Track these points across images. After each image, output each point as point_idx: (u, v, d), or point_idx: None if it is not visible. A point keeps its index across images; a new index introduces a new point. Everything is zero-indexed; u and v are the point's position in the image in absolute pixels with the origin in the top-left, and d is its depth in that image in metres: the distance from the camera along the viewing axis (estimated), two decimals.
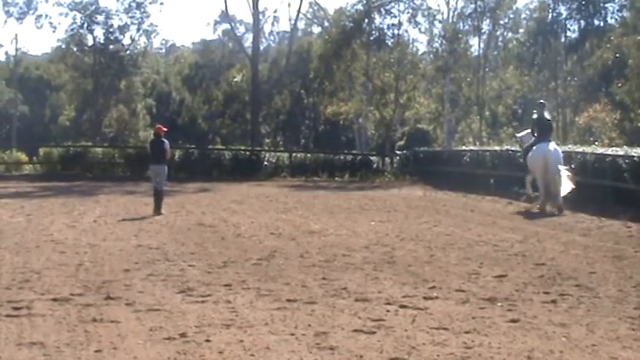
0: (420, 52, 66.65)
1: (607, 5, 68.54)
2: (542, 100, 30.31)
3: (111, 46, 71.19)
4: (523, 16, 74.17)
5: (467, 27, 66.23)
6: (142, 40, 74.37)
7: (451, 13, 67.56)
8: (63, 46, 74.64)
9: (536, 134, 26.20)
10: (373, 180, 43.79)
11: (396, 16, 60.50)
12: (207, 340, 8.91)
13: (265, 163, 46.73)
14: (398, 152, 52.27)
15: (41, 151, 48.84)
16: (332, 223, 21.57)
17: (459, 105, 69.70)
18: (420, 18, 62.03)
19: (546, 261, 14.71)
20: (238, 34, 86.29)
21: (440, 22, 65.06)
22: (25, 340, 8.92)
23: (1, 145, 59.60)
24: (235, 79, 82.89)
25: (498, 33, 72.43)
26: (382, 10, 59.62)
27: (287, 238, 18.31)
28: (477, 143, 60.84)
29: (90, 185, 37.27)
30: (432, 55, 64.14)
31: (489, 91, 67.17)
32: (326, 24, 75.59)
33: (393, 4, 59.69)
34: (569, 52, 69.06)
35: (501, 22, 69.86)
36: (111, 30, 70.92)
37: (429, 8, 62.72)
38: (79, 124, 77.28)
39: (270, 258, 15.03)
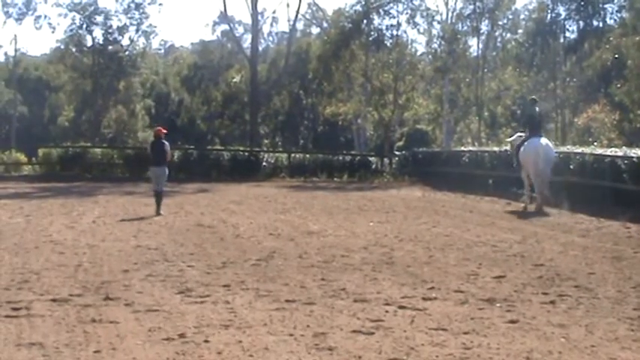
0: (418, 53, 66.73)
1: (606, 6, 68.58)
2: (534, 97, 30.51)
3: (110, 47, 71.20)
4: (522, 16, 74.31)
5: (466, 28, 66.33)
6: (141, 41, 74.47)
7: (450, 14, 67.71)
8: (62, 47, 74.66)
9: (527, 131, 26.50)
10: (372, 181, 43.82)
11: (394, 17, 60.65)
12: (206, 341, 8.91)
13: (264, 163, 46.75)
14: (397, 153, 52.35)
15: (40, 151, 48.87)
16: (331, 223, 21.57)
17: (457, 106, 69.76)
18: (418, 19, 62.25)
19: (545, 262, 14.71)
20: (237, 35, 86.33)
21: (439, 22, 65.27)
22: (24, 340, 8.93)
23: (0, 146, 59.60)
24: (234, 80, 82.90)
25: (497, 34, 72.57)
26: (381, 10, 59.69)
27: (286, 238, 18.32)
28: (476, 144, 60.88)
29: (89, 186, 37.27)
30: (430, 56, 64.19)
31: (488, 91, 67.23)
32: (325, 25, 75.66)
33: (391, 4, 59.79)
34: (568, 53, 69.08)
35: (500, 22, 69.99)
36: (110, 31, 70.93)
37: (428, 9, 63.01)
38: (78, 125, 77.24)
39: (269, 259, 15.03)
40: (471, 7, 65.42)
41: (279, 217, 23.18)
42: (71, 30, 70.96)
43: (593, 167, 27.04)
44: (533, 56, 70.26)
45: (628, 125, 58.02)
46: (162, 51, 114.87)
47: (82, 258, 14.97)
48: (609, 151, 28.23)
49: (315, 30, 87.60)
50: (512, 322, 9.90)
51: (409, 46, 64.28)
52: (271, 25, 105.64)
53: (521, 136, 27.25)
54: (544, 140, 26.20)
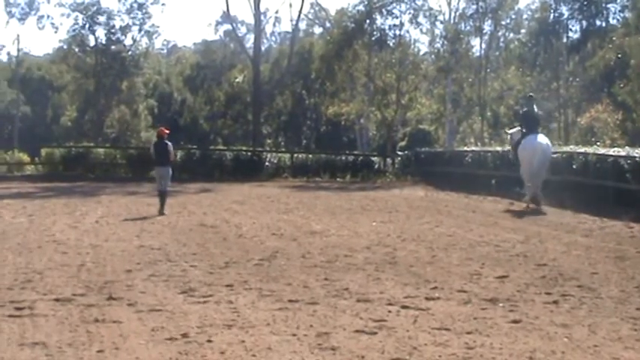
0: (421, 53, 66.72)
1: (609, 6, 68.52)
2: (531, 94, 30.83)
3: (112, 47, 71.20)
4: (525, 16, 74.18)
5: (468, 27, 66.22)
6: (144, 41, 74.41)
7: (453, 14, 67.61)
8: (65, 47, 74.66)
9: (524, 128, 26.78)
10: (375, 180, 43.79)
11: (397, 17, 60.44)
12: (209, 341, 8.91)
13: (267, 163, 46.74)
14: (399, 153, 52.29)
15: (43, 151, 48.93)
16: (333, 223, 21.57)
17: (460, 105, 69.66)
18: (421, 18, 61.99)
19: (548, 262, 14.70)
20: (240, 35, 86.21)
21: (441, 22, 65.06)
22: (28, 340, 8.94)
23: (3, 146, 59.74)
24: (237, 80, 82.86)
25: (500, 33, 72.41)
26: (384, 10, 59.55)
27: (289, 238, 18.32)
28: (479, 144, 60.80)
29: (92, 186, 37.29)
30: (433, 56, 64.11)
31: (491, 91, 67.14)
32: (327, 24, 75.63)
33: (394, 4, 59.60)
34: (571, 53, 69.02)
35: (503, 22, 69.85)
36: (112, 31, 70.93)
37: (431, 9, 62.73)
38: (81, 125, 77.30)
39: (272, 258, 15.03)
40: (474, 6, 65.33)
41: (282, 217, 23.18)
42: (74, 30, 70.98)
43: (596, 167, 27.03)
44: (536, 56, 70.20)
45: (631, 125, 57.99)
46: (165, 51, 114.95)
47: (85, 258, 14.98)
48: (612, 151, 28.20)
49: (317, 30, 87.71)
50: (515, 321, 9.90)
51: (412, 46, 64.22)
52: (274, 25, 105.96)
53: (520, 131, 27.39)
54: (542, 139, 26.47)
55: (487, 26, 67.23)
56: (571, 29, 69.94)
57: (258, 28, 62.06)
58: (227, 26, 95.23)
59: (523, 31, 73.37)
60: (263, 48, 77.70)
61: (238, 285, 12.27)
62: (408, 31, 64.24)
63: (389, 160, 48.99)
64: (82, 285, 12.18)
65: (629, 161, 25.37)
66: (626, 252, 16.14)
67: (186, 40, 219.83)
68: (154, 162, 26.00)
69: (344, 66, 58.50)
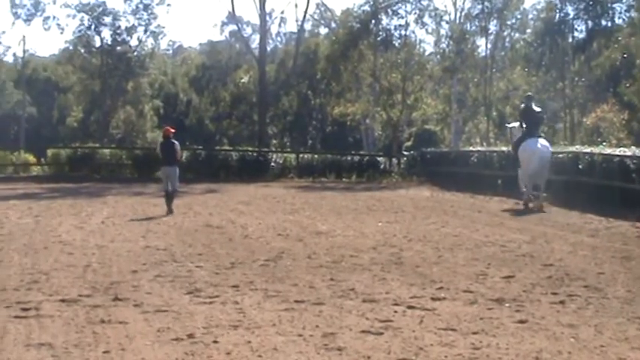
0: (427, 53, 66.62)
1: (615, 5, 68.41)
2: (529, 93, 31.27)
3: (118, 48, 71.33)
4: (530, 16, 74.17)
5: (474, 28, 66.29)
6: (149, 42, 74.57)
7: (458, 14, 67.72)
8: (70, 48, 74.83)
9: (524, 127, 27.05)
10: (380, 181, 43.77)
11: (403, 17, 60.49)
12: (215, 341, 8.91)
13: (272, 164, 46.72)
14: (405, 153, 52.29)
15: (49, 152, 49.01)
16: (339, 224, 21.56)
17: (466, 105, 69.73)
18: (427, 19, 62.03)
19: (554, 262, 14.69)
20: (245, 35, 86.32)
21: (447, 22, 65.19)
22: (34, 340, 8.94)
23: (9, 147, 59.69)
24: (242, 80, 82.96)
25: (505, 33, 72.48)
26: (389, 10, 59.58)
27: (294, 239, 18.32)
28: (484, 144, 60.81)
29: (98, 186, 37.32)
30: (439, 56, 64.04)
31: (496, 91, 67.18)
32: (333, 25, 75.60)
33: (400, 4, 59.66)
34: (577, 53, 68.93)
35: (508, 22, 69.92)
36: (118, 31, 71.06)
37: (436, 9, 62.77)
38: (87, 126, 77.45)
39: (278, 259, 15.03)
40: (480, 6, 65.40)
41: (288, 218, 23.18)
42: (80, 31, 71.12)
43: (602, 167, 26.98)
44: (542, 56, 70.13)
45: (637, 125, 57.95)
46: (171, 51, 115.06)
47: (91, 258, 14.99)
48: (618, 151, 28.16)
49: (323, 30, 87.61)
50: (522, 322, 9.89)
51: (417, 46, 64.23)
52: (279, 25, 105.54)
53: (520, 127, 27.54)
54: (541, 142, 26.60)
55: (493, 26, 67.37)
56: (577, 29, 69.88)
57: (263, 29, 62.04)
58: (233, 27, 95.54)
59: (529, 31, 73.37)
60: (269, 48, 77.57)
61: (244, 285, 12.27)
62: (413, 32, 64.10)
63: (395, 161, 48.95)
64: (88, 286, 12.19)
65: (635, 161, 25.32)
66: (633, 252, 16.12)
67: (192, 40, 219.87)
68: (160, 162, 26.05)
69: (349, 66, 58.53)
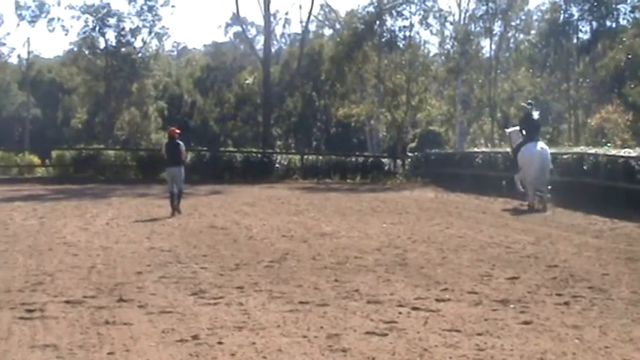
0: (431, 54, 66.75)
1: (619, 6, 68.27)
2: (530, 101, 31.87)
3: (123, 49, 71.38)
4: (535, 17, 74.05)
5: (478, 29, 66.16)
6: (154, 43, 74.60)
7: (462, 15, 67.62)
8: (75, 49, 74.93)
9: (524, 133, 27.49)
10: (385, 182, 43.77)
11: (407, 18, 60.37)
12: (220, 343, 8.92)
13: (277, 165, 46.75)
14: (409, 154, 52.25)
15: (54, 153, 49.07)
16: (344, 225, 21.56)
17: (470, 107, 69.65)
18: (431, 20, 61.89)
19: (559, 263, 14.68)
20: (250, 37, 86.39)
21: (451, 23, 65.06)
22: (39, 342, 8.95)
23: (14, 148, 59.85)
24: (247, 82, 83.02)
25: (510, 34, 72.36)
26: (393, 12, 59.51)
27: (299, 240, 18.32)
28: (489, 145, 60.74)
29: (102, 188, 37.34)
30: (443, 57, 64.06)
31: (501, 92, 67.11)
32: (337, 26, 75.66)
33: (404, 6, 59.59)
34: (581, 54, 68.83)
35: (513, 23, 69.75)
36: (123, 33, 71.11)
37: (441, 10, 62.65)
38: (92, 127, 77.54)
39: (282, 260, 15.03)
40: (484, 7, 65.28)
41: (292, 219, 23.18)
42: (84, 32, 71.19)
43: (607, 168, 27.01)
44: (546, 57, 70.02)
45: None
46: (175, 53, 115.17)
47: (96, 260, 15.00)
48: (623, 152, 28.17)
49: (327, 31, 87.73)
50: (526, 323, 9.89)
51: (422, 48, 64.20)
52: (284, 26, 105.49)
53: (519, 133, 27.86)
54: (540, 145, 27.00)
55: (497, 27, 67.20)
56: (581, 30, 69.75)
57: (268, 30, 62.06)
58: (237, 28, 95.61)
59: (533, 32, 73.25)
60: (273, 50, 77.63)
61: (249, 287, 12.27)
62: (417, 33, 63.89)
63: (399, 162, 48.96)
64: (93, 287, 12.20)
65: (639, 162, 25.34)
66: (637, 253, 16.11)
67: (196, 42, 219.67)
68: (166, 162, 26.10)
69: (354, 67, 58.54)
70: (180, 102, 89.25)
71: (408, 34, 59.99)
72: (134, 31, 71.57)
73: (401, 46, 59.40)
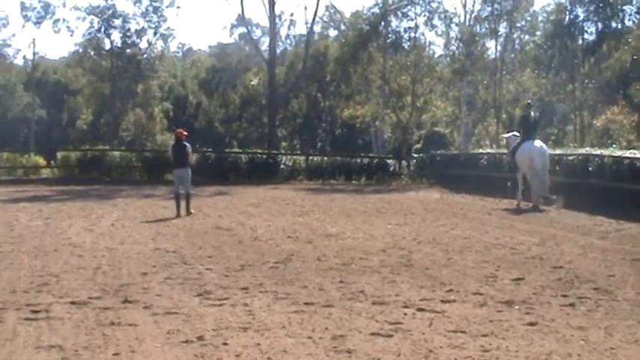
0: (436, 55, 66.71)
1: (625, 7, 68.24)
2: (529, 101, 32.16)
3: (128, 50, 71.58)
4: (540, 18, 73.94)
5: (484, 30, 66.16)
6: (159, 44, 74.91)
7: (468, 16, 67.61)
8: (80, 50, 75.17)
9: (522, 133, 27.80)
10: (390, 183, 43.74)
11: (412, 19, 60.52)
12: (225, 344, 8.92)
13: (282, 166, 46.73)
14: (414, 155, 52.17)
15: (59, 155, 49.10)
16: (349, 226, 21.55)
17: (475, 108, 69.65)
18: (436, 21, 61.99)
19: (564, 264, 14.66)
20: (255, 38, 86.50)
21: (457, 24, 65.05)
22: (44, 343, 8.96)
23: (19, 149, 59.96)
24: (252, 83, 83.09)
25: (515, 36, 72.38)
26: (399, 13, 59.58)
27: (304, 241, 18.31)
28: (494, 146, 60.70)
29: (107, 189, 37.35)
30: (448, 58, 64.07)
31: (506, 93, 67.11)
32: (342, 27, 75.59)
33: (409, 7, 59.65)
34: (587, 55, 68.75)
35: (518, 24, 69.77)
36: (128, 34, 71.30)
37: (446, 11, 62.67)
38: (97, 128, 77.71)
39: (288, 261, 15.02)
40: (489, 9, 65.29)
41: (298, 220, 23.17)
42: (89, 33, 71.43)
43: (612, 169, 26.98)
44: (552, 58, 69.97)
45: None
46: (180, 54, 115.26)
47: (101, 261, 15.01)
48: (628, 153, 28.14)
49: (332, 32, 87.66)
50: (531, 324, 9.88)
51: (427, 49, 64.29)
52: (289, 27, 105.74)
53: (516, 136, 28.17)
54: (537, 143, 27.34)
55: (502, 28, 67.26)
56: (586, 31, 69.71)
57: (273, 31, 62.07)
58: (242, 29, 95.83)
59: (538, 33, 73.18)
60: (278, 51, 77.65)
61: (254, 288, 12.27)
62: (423, 34, 64.15)
63: (404, 163, 48.88)
64: (98, 288, 12.21)
65: None
66: None
67: (202, 43, 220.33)
68: (172, 164, 26.15)
69: (359, 68, 58.58)
70: (185, 103, 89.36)
71: (413, 35, 60.20)
72: (139, 32, 71.77)
73: (406, 47, 59.50)
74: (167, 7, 71.81)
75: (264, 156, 48.46)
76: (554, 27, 69.26)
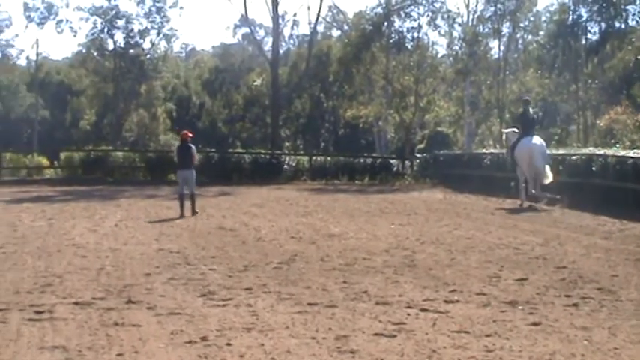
0: (439, 55, 66.64)
1: (628, 7, 68.11)
2: (526, 97, 32.55)
3: (131, 51, 71.56)
4: (543, 18, 73.84)
5: (487, 30, 66.03)
6: (162, 45, 74.80)
7: (471, 16, 67.50)
8: (84, 51, 75.14)
9: (520, 129, 28.25)
10: (393, 183, 43.72)
11: (415, 20, 60.30)
12: (228, 344, 8.93)
13: (285, 166, 46.70)
14: (418, 155, 52.20)
15: (62, 155, 49.13)
16: (352, 226, 21.55)
17: (479, 108, 69.58)
18: (439, 21, 61.75)
19: (567, 264, 14.66)
20: (258, 38, 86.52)
21: (460, 25, 64.91)
22: (48, 343, 8.98)
23: (22, 150, 60.03)
24: (255, 83, 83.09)
25: (518, 36, 72.25)
26: (402, 13, 59.45)
27: (307, 241, 18.32)
28: (497, 146, 60.66)
29: (111, 189, 37.36)
30: (451, 58, 63.93)
31: (509, 93, 66.98)
32: (345, 27, 75.65)
33: (412, 7, 59.55)
34: (590, 55, 68.66)
35: (521, 24, 69.65)
36: (131, 34, 71.28)
37: (449, 11, 62.47)
38: (100, 129, 77.71)
39: (291, 262, 15.03)
40: (492, 9, 65.15)
41: (301, 220, 23.18)
42: (93, 34, 71.40)
43: (616, 169, 26.96)
44: (555, 58, 69.89)
45: None
46: (184, 54, 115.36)
47: (105, 261, 15.02)
48: (632, 153, 28.11)
49: (335, 33, 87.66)
50: (535, 324, 9.89)
51: (430, 49, 64.17)
52: (292, 28, 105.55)
53: (515, 132, 28.33)
54: (536, 139, 27.64)
55: (505, 28, 67.08)
56: (590, 31, 69.57)
57: (276, 31, 62.06)
58: (245, 29, 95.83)
59: (541, 33, 73.08)
60: (281, 51, 77.70)
61: (257, 288, 12.28)
62: (426, 34, 63.92)
63: (407, 163, 48.90)
64: (102, 288, 12.22)
65: None
66: None
67: (205, 43, 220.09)
68: (177, 165, 26.21)
69: (362, 69, 58.57)
70: (188, 103, 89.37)
71: (416, 35, 59.95)
72: (143, 33, 71.74)
73: (409, 47, 59.36)
74: (170, 7, 71.82)
75: (268, 156, 48.43)
76: (558, 27, 69.18)
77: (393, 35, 59.24)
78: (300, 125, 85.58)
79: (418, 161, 48.51)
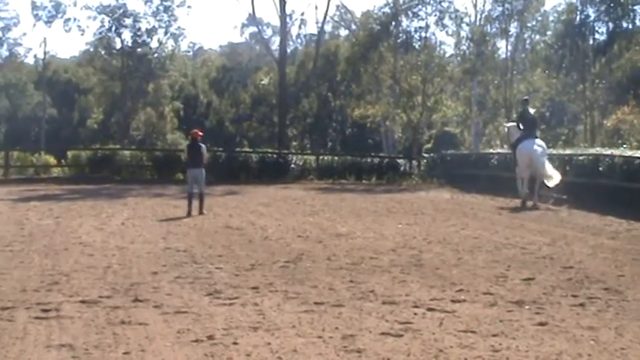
0: (447, 55, 66.55)
1: (636, 7, 68.02)
2: (526, 97, 32.71)
3: (139, 49, 71.60)
4: (551, 18, 73.84)
5: (494, 30, 66.06)
6: (170, 43, 74.80)
7: (478, 16, 67.47)
8: (91, 50, 75.21)
9: (522, 128, 28.21)
10: (400, 183, 43.69)
11: (423, 19, 60.30)
12: (235, 343, 8.93)
13: (292, 165, 46.66)
14: (425, 155, 52.11)
15: (69, 154, 49.05)
16: (359, 225, 21.54)
17: (486, 108, 69.57)
18: (447, 21, 61.71)
19: (574, 264, 14.64)
20: (265, 37, 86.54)
21: (467, 24, 64.86)
22: (54, 342, 8.98)
23: (29, 148, 60.11)
24: (262, 82, 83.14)
25: (526, 35, 72.29)
26: (409, 12, 59.44)
27: (314, 240, 18.31)
28: (505, 146, 60.63)
29: (118, 188, 37.34)
30: (459, 58, 63.89)
31: (517, 93, 66.91)
32: (353, 27, 75.66)
33: (420, 6, 59.52)
34: (598, 55, 68.57)
35: (529, 24, 69.70)
36: (139, 33, 71.32)
37: (457, 11, 62.43)
38: (107, 127, 77.81)
39: (298, 261, 15.03)
40: (500, 8, 65.21)
41: (308, 220, 23.17)
42: (100, 32, 71.43)
43: (623, 169, 26.92)
44: (562, 58, 69.81)
45: None
46: (191, 53, 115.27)
47: (111, 260, 15.02)
48: (639, 153, 28.08)
49: (343, 32, 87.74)
50: (542, 324, 9.87)
51: (438, 48, 64.19)
52: (299, 27, 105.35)
53: (518, 128, 28.34)
54: (537, 143, 27.56)
55: (513, 28, 67.18)
56: (597, 31, 69.48)
57: (283, 31, 62.02)
58: (253, 28, 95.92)
59: (549, 33, 73.06)
60: (289, 50, 77.65)
61: (264, 287, 12.28)
62: (433, 34, 64.04)
63: (414, 163, 48.84)
64: (108, 287, 12.22)
65: None
66: None
67: (212, 42, 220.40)
68: (187, 164, 26.22)
69: (369, 68, 58.61)
70: (196, 102, 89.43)
71: (423, 34, 59.99)
72: (150, 32, 71.77)
73: (417, 46, 59.37)
74: (178, 6, 71.80)
75: (275, 155, 48.37)
76: (565, 27, 69.10)
77: (400, 35, 59.25)
78: (308, 124, 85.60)
79: (425, 161, 48.45)
